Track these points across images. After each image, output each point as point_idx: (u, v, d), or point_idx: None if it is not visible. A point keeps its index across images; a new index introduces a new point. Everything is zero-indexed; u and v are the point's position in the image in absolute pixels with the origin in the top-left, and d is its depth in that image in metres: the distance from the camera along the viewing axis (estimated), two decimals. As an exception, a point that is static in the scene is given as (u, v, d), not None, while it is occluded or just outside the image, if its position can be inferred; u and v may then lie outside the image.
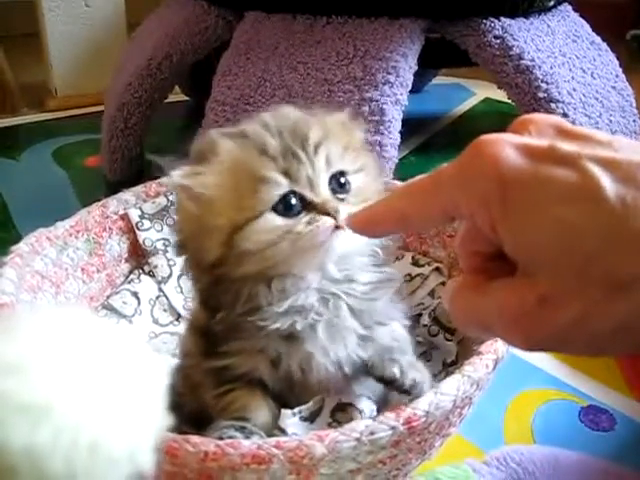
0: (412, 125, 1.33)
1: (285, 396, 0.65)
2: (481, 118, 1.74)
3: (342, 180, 0.60)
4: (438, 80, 1.90)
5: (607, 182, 0.30)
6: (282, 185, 0.57)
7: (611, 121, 1.17)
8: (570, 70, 1.15)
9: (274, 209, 0.57)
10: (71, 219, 0.87)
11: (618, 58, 1.28)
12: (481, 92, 1.86)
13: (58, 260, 0.83)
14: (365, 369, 0.65)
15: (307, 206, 0.58)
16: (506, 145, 0.33)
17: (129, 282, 0.91)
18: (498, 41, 1.11)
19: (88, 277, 0.88)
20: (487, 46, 1.11)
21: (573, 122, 1.09)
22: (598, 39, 1.26)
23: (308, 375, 0.63)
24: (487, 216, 0.33)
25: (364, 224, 0.42)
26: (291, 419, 0.64)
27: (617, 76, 1.24)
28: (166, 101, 1.34)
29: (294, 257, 0.58)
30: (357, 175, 0.61)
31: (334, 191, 0.59)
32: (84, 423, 0.23)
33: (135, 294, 0.89)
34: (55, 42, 1.78)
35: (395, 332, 0.66)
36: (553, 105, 1.08)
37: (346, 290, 0.62)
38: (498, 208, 0.33)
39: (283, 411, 0.64)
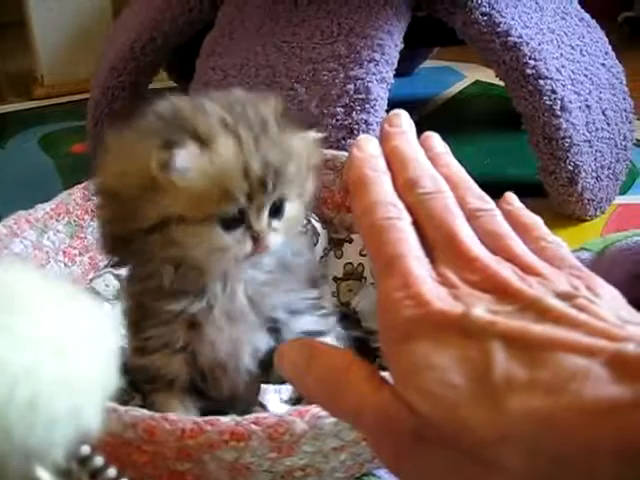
0: (402, 108, 1.31)
1: (211, 393, 0.69)
2: (471, 100, 1.73)
3: (280, 206, 0.62)
4: (428, 63, 1.88)
5: (500, 360, 0.29)
6: (240, 205, 0.59)
7: (601, 98, 1.16)
8: (559, 47, 1.13)
9: (221, 219, 0.59)
10: (51, 202, 0.86)
11: (610, 41, 1.26)
12: (472, 75, 1.85)
13: (38, 243, 0.82)
14: None
15: (245, 224, 0.60)
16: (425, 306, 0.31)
17: (112, 265, 0.90)
18: (485, 18, 1.09)
19: (70, 260, 0.86)
20: (474, 23, 1.09)
21: (562, 99, 1.08)
22: (587, 16, 1.24)
23: (223, 368, 0.67)
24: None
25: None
26: (271, 394, 0.63)
27: (607, 53, 1.22)
28: (153, 87, 1.32)
29: (212, 260, 0.62)
30: (294, 203, 0.63)
31: (270, 214, 0.61)
32: (23, 378, 0.22)
33: (118, 277, 0.88)
34: (41, 30, 1.76)
35: (315, 322, 0.69)
36: (541, 82, 1.07)
37: (246, 278, 0.65)
38: (392, 347, 0.32)
39: (263, 387, 0.63)
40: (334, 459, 0.60)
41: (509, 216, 0.37)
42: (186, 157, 0.57)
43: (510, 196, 0.39)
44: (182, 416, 0.56)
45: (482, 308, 0.31)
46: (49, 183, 1.32)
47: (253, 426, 0.54)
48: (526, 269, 0.33)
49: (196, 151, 0.57)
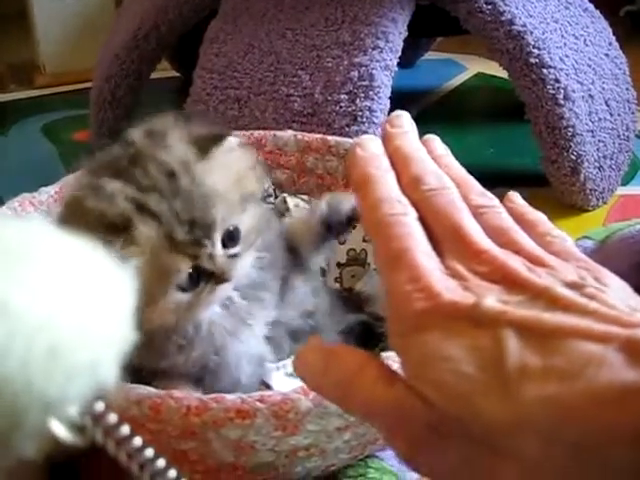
0: (403, 99, 1.31)
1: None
2: (473, 92, 1.73)
3: (232, 231, 0.60)
4: (430, 55, 1.88)
5: (513, 348, 0.29)
6: (186, 269, 0.58)
7: (604, 89, 1.16)
8: (562, 36, 1.13)
9: (178, 287, 0.59)
10: (55, 185, 0.86)
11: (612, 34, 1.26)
12: (473, 67, 1.85)
13: (42, 225, 0.82)
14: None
15: (205, 275, 0.59)
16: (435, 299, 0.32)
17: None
18: (489, 7, 1.09)
19: (73, 244, 0.86)
20: (478, 12, 1.10)
21: (565, 88, 1.08)
22: (591, 6, 1.25)
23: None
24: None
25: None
26: (275, 372, 0.63)
27: (610, 44, 1.23)
28: (156, 77, 1.32)
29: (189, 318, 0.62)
30: (244, 214, 0.61)
31: (225, 245, 0.60)
32: (42, 325, 0.22)
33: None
34: (43, 19, 1.76)
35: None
36: (545, 71, 1.07)
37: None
38: (403, 340, 0.32)
39: (267, 365, 0.63)
40: (338, 439, 0.60)
41: (513, 213, 0.37)
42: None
43: (513, 194, 0.40)
44: (187, 394, 0.56)
45: (493, 298, 0.31)
46: (52, 170, 1.32)
47: (258, 404, 0.54)
48: (534, 261, 0.33)
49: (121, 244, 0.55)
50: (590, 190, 1.13)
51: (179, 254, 0.57)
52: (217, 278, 0.59)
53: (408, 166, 0.38)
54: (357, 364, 0.34)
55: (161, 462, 0.28)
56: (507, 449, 0.28)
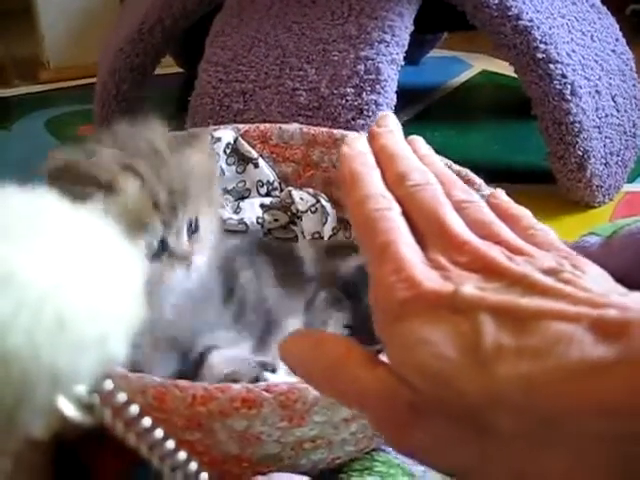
0: (408, 96, 1.31)
1: None
2: (478, 90, 1.72)
3: (195, 224, 0.66)
4: (435, 53, 1.88)
5: (489, 331, 0.30)
6: (159, 233, 0.63)
7: (611, 84, 1.15)
8: (569, 32, 1.13)
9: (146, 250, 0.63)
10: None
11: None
12: (478, 65, 1.84)
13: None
14: None
15: (167, 251, 0.64)
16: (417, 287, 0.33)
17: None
18: (496, 2, 1.08)
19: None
20: (485, 7, 1.09)
21: (572, 84, 1.07)
22: (598, 2, 1.24)
23: None
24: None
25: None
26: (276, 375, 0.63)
27: (617, 40, 1.22)
28: (161, 73, 1.31)
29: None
30: (206, 216, 0.67)
31: (188, 234, 0.65)
32: (50, 296, 0.21)
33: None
34: (47, 14, 1.75)
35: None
36: (552, 66, 1.06)
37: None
38: (387, 328, 0.33)
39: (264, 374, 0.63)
40: (344, 430, 0.59)
41: (497, 209, 0.39)
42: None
43: (497, 191, 0.41)
44: (192, 383, 0.55)
45: (471, 285, 0.32)
46: (55, 164, 1.32)
47: (265, 393, 0.54)
48: (513, 250, 0.35)
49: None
50: (596, 186, 1.13)
51: (157, 214, 0.62)
52: (178, 258, 0.63)
53: (393, 163, 0.39)
54: (343, 349, 0.35)
55: (171, 444, 0.28)
56: (485, 424, 0.30)
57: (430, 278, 0.33)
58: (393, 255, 0.34)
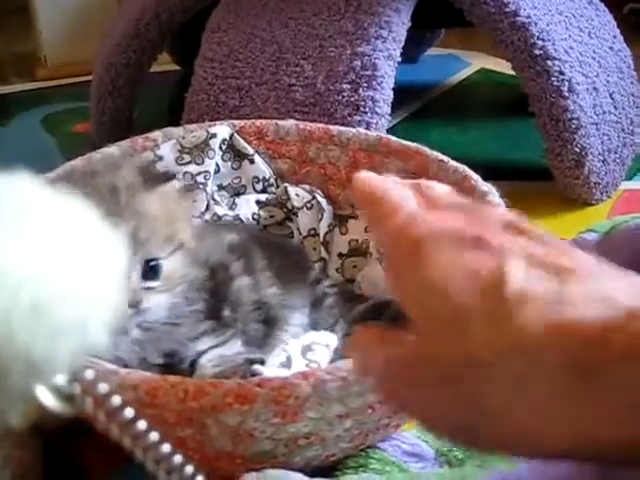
0: (407, 94, 1.30)
1: None
2: (475, 88, 1.72)
3: (154, 267, 0.64)
4: (433, 51, 1.87)
5: (518, 271, 0.30)
6: None
7: (608, 81, 1.15)
8: (567, 28, 1.12)
9: None
10: (53, 172, 0.85)
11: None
12: (476, 63, 1.84)
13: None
14: None
15: None
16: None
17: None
18: (494, -2, 1.08)
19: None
20: (482, 3, 1.08)
21: (570, 80, 1.07)
22: (596, -1, 1.24)
23: None
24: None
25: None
26: (266, 367, 0.62)
27: (615, 37, 1.21)
28: (157, 70, 1.31)
29: None
30: (171, 258, 0.65)
31: (145, 277, 0.63)
32: (26, 280, 0.21)
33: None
34: (44, 11, 1.75)
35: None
36: (549, 63, 1.06)
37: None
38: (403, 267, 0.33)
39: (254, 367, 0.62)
40: (338, 427, 0.59)
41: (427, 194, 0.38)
42: None
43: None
44: (184, 378, 0.55)
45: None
46: (51, 161, 1.31)
47: (257, 388, 0.53)
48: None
49: None
50: (594, 184, 1.12)
51: None
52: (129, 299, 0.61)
53: None
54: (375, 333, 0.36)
55: (154, 435, 0.27)
56: (494, 370, 0.29)
57: (451, 219, 0.33)
58: (405, 210, 0.34)
